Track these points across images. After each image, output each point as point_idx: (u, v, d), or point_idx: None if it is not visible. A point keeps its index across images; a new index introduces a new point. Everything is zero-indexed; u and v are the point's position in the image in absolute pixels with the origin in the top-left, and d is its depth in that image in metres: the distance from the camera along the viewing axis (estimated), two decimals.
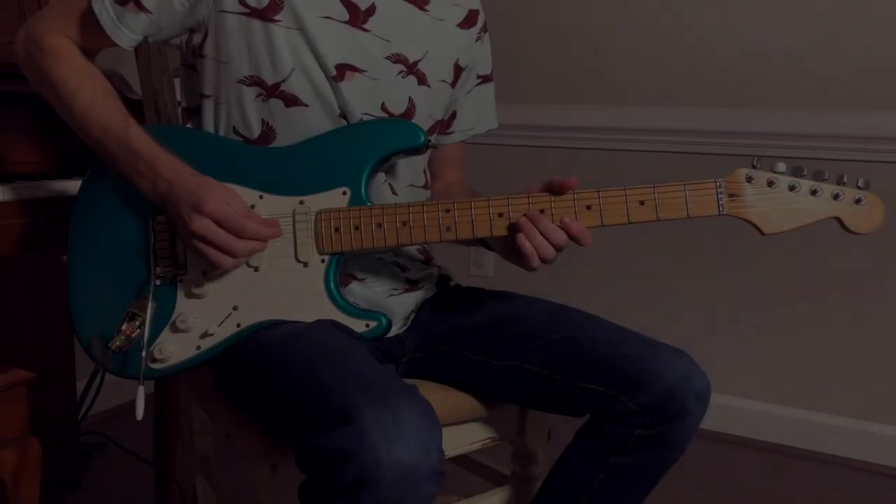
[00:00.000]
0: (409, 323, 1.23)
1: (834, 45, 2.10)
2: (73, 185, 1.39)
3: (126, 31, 1.12)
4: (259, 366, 1.04)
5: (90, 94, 1.12)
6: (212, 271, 1.08)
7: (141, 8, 1.10)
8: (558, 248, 1.07)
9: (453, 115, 1.33)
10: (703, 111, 2.26)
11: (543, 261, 1.07)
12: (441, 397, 1.17)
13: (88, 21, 1.13)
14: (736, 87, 2.22)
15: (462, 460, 1.42)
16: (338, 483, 0.86)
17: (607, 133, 2.40)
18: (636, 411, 1.07)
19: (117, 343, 1.06)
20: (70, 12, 1.14)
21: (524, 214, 1.07)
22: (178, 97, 1.28)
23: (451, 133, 1.34)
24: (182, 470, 1.54)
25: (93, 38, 1.15)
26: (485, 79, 1.34)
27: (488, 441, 1.25)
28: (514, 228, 1.07)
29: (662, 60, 2.31)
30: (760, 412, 2.28)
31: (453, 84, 1.27)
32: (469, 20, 1.27)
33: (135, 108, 1.50)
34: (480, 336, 1.19)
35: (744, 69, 2.21)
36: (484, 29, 1.31)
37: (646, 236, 2.37)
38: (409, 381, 0.98)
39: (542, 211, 1.07)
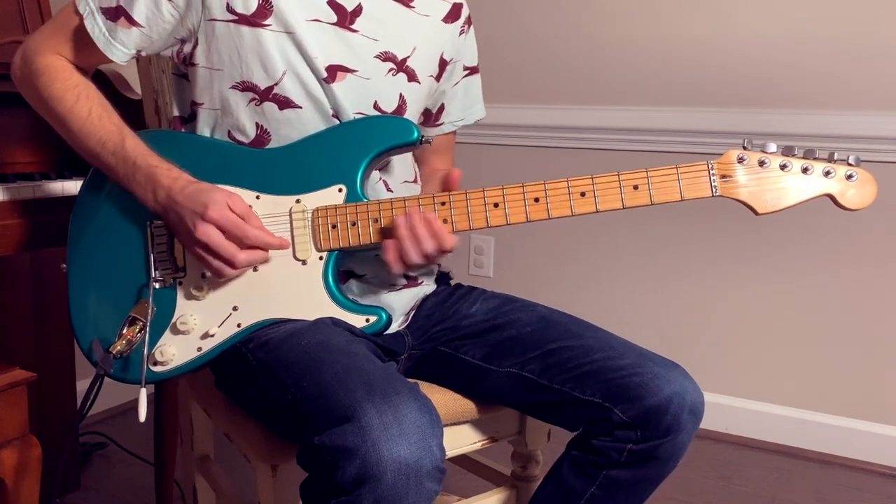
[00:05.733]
0: (409, 319, 1.23)
1: (834, 45, 2.10)
2: (73, 185, 1.40)
3: (119, 47, 1.13)
4: (260, 365, 1.04)
5: (85, 109, 1.12)
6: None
7: (132, 22, 1.11)
8: (427, 254, 1.06)
9: (442, 108, 1.35)
10: (702, 111, 2.26)
11: (407, 263, 1.07)
12: (441, 397, 1.17)
13: (81, 39, 1.14)
14: (735, 87, 2.22)
15: (462, 460, 1.42)
16: (339, 480, 0.86)
17: (606, 133, 2.40)
18: (629, 425, 1.07)
19: (118, 348, 1.06)
20: (62, 31, 1.15)
21: (401, 217, 1.07)
22: (170, 106, 1.28)
23: (441, 125, 1.37)
24: (182, 470, 1.54)
25: (87, 56, 1.16)
26: (472, 70, 1.36)
27: (488, 441, 1.25)
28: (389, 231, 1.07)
29: (661, 60, 2.31)
30: (760, 412, 2.28)
31: (438, 77, 1.29)
32: (453, 14, 1.29)
33: (135, 108, 1.51)
34: (480, 339, 1.19)
35: (743, 69, 2.21)
36: (468, 22, 1.33)
37: (645, 236, 2.37)
38: (410, 381, 0.98)
39: (536, 200, 1.08)
